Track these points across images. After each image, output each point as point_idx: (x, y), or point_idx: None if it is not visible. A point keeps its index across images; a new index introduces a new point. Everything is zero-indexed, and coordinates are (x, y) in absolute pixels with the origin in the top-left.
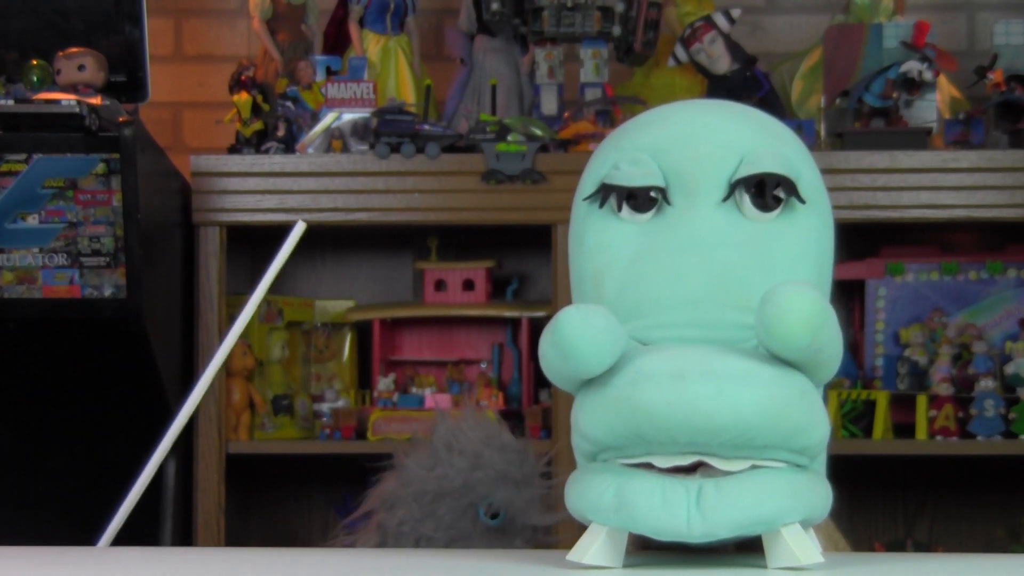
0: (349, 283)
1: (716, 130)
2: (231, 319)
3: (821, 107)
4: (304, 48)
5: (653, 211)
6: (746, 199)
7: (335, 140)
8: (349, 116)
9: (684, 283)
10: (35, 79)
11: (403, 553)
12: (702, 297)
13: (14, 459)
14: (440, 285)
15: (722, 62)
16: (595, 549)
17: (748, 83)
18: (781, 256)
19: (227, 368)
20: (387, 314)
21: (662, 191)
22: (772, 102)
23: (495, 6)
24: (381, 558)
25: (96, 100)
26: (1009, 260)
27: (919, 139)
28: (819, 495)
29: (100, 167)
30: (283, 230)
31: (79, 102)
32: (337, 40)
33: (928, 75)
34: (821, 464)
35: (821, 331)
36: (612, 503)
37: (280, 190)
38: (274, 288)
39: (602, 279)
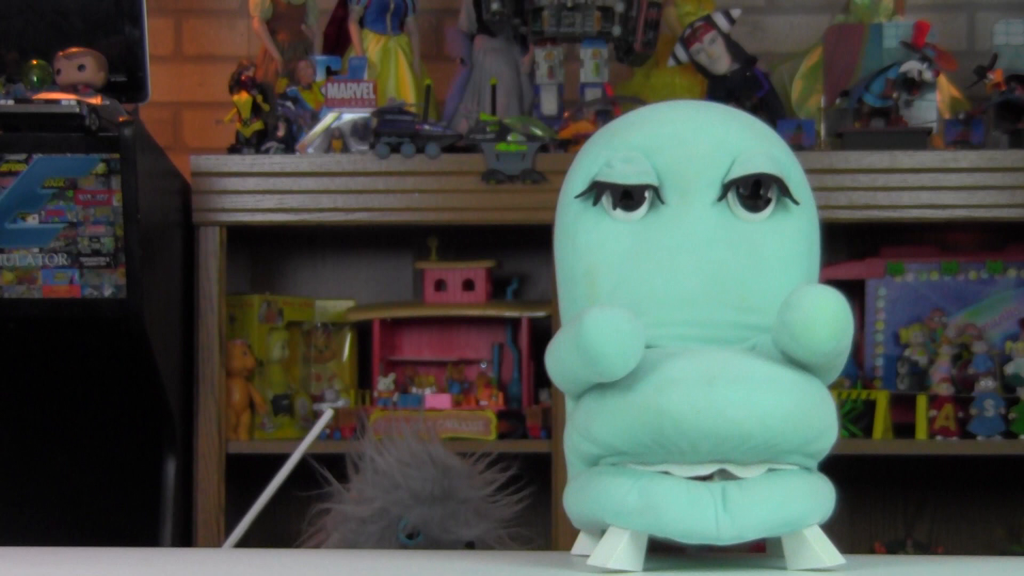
0: (349, 283)
1: (708, 130)
2: (231, 319)
3: (821, 107)
4: (304, 48)
5: (645, 209)
6: (738, 200)
7: (335, 140)
8: (349, 116)
9: (680, 282)
10: (35, 79)
11: (408, 554)
12: (698, 296)
13: (14, 459)
14: (440, 285)
15: (722, 62)
16: (619, 552)
17: (748, 83)
18: (774, 255)
19: (227, 368)
20: (387, 314)
21: (655, 190)
22: (772, 102)
23: (495, 6)
24: (381, 559)
25: (96, 100)
26: (1009, 260)
27: (919, 139)
28: (831, 497)
29: (100, 167)
30: (283, 230)
31: (79, 102)
32: (337, 40)
33: (928, 75)
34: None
35: (845, 336)
36: (636, 506)
37: (280, 190)
38: (274, 288)
39: (595, 277)
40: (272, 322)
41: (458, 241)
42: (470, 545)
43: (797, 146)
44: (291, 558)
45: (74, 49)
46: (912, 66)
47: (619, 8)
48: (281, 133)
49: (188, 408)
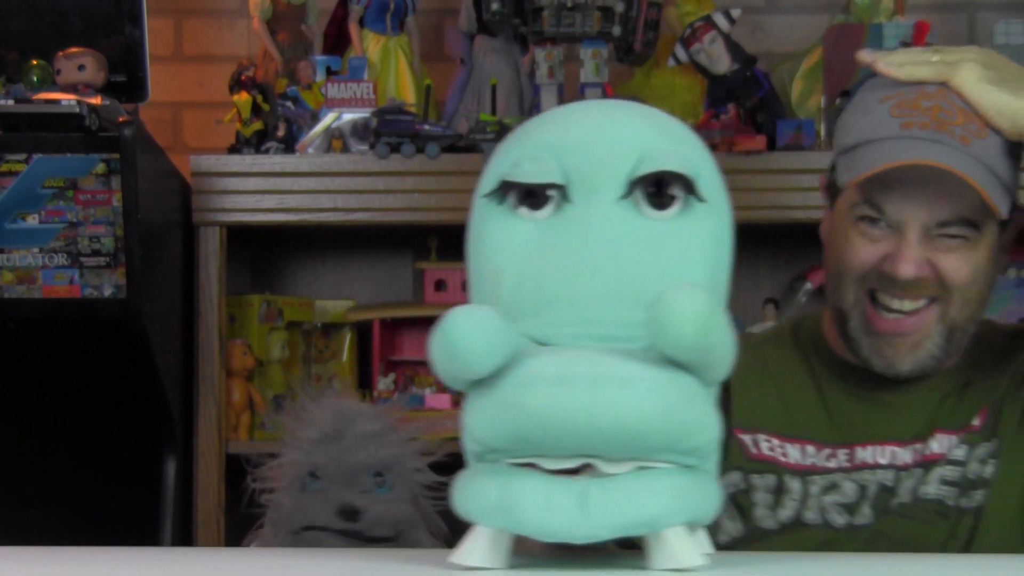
0: (349, 283)
1: (616, 129)
2: (231, 319)
3: (821, 107)
4: (304, 48)
5: (551, 209)
6: (644, 197)
7: (335, 140)
8: (349, 116)
9: (580, 281)
10: (35, 79)
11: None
12: (598, 295)
13: (14, 459)
14: (440, 285)
15: (722, 62)
16: (478, 551)
17: (748, 83)
18: (677, 255)
19: (227, 368)
20: (387, 314)
21: (561, 189)
22: (772, 102)
23: (495, 6)
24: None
25: (96, 100)
26: (1009, 260)
27: None
28: (707, 496)
29: (100, 167)
30: (283, 230)
31: (79, 102)
32: (337, 40)
33: None
34: (713, 464)
35: (711, 333)
36: (496, 504)
37: (280, 190)
38: (274, 288)
39: (500, 277)
40: (272, 322)
41: (458, 241)
42: (379, 475)
43: (797, 146)
44: (291, 558)
45: (74, 49)
46: None
47: (619, 8)
48: (281, 133)
49: (188, 408)
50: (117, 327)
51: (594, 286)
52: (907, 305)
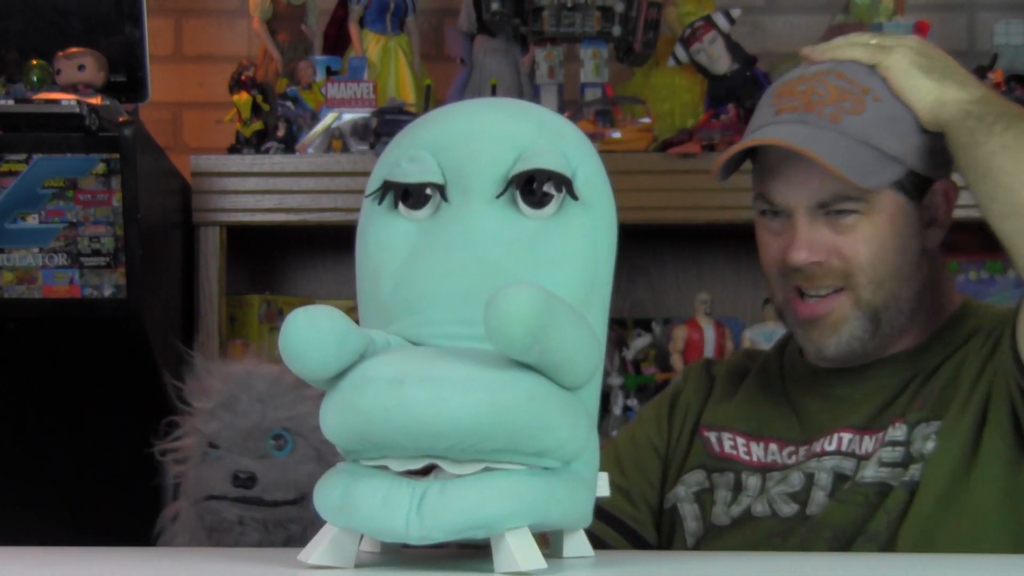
0: (349, 283)
1: (494, 127)
2: (231, 319)
3: None
4: (304, 48)
5: (431, 209)
6: (520, 196)
7: (335, 140)
8: (349, 116)
9: (453, 280)
10: (35, 79)
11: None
12: (470, 294)
13: (14, 459)
14: None
15: (722, 62)
16: (322, 549)
17: (748, 83)
18: (551, 253)
19: None
20: None
21: (440, 188)
22: None
23: (495, 6)
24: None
25: (96, 100)
26: (1009, 260)
27: None
28: (560, 499)
29: (100, 167)
30: (283, 230)
31: (79, 102)
32: (337, 40)
33: None
34: (586, 466)
35: (543, 333)
36: (338, 503)
37: (280, 190)
38: (274, 288)
39: (378, 276)
40: (272, 322)
41: None
42: (278, 437)
43: None
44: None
45: (74, 49)
46: None
47: (619, 8)
48: (281, 133)
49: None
50: (117, 327)
51: (467, 286)
52: (822, 290)
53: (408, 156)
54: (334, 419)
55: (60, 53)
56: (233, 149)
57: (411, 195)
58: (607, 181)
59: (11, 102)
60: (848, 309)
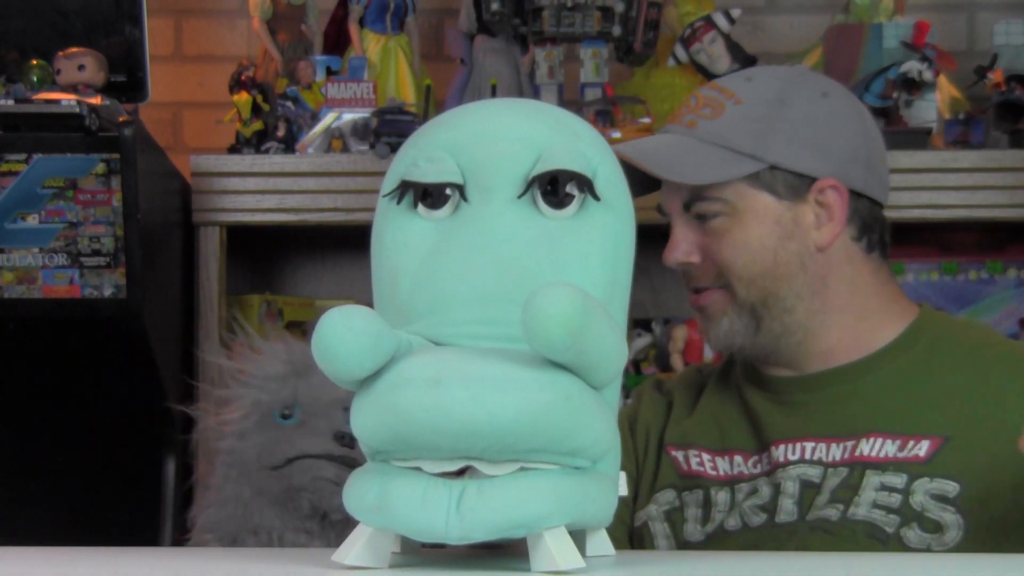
0: (349, 283)
1: (513, 127)
2: (231, 319)
3: None
4: (304, 48)
5: (450, 208)
6: (541, 196)
7: (335, 140)
8: (349, 116)
9: (474, 280)
10: (35, 79)
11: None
12: (491, 294)
13: (14, 459)
14: None
15: (722, 62)
16: (358, 550)
17: None
18: (573, 253)
19: None
20: None
21: (459, 188)
22: None
23: (495, 6)
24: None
25: (96, 100)
26: (1009, 260)
27: (919, 139)
28: (593, 498)
29: (100, 167)
30: (283, 230)
31: (79, 102)
32: (337, 40)
33: (928, 75)
34: (609, 466)
35: (583, 333)
36: (374, 503)
37: (280, 190)
38: (274, 288)
39: (397, 277)
40: (272, 322)
41: None
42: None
43: None
44: (290, 557)
45: (74, 49)
46: (912, 66)
47: (619, 8)
48: (281, 133)
49: None
50: (117, 327)
51: (488, 286)
52: (701, 285)
53: (426, 156)
54: (368, 419)
55: (60, 53)
56: (233, 149)
57: (430, 195)
58: (625, 181)
59: (11, 102)
60: (726, 304)
